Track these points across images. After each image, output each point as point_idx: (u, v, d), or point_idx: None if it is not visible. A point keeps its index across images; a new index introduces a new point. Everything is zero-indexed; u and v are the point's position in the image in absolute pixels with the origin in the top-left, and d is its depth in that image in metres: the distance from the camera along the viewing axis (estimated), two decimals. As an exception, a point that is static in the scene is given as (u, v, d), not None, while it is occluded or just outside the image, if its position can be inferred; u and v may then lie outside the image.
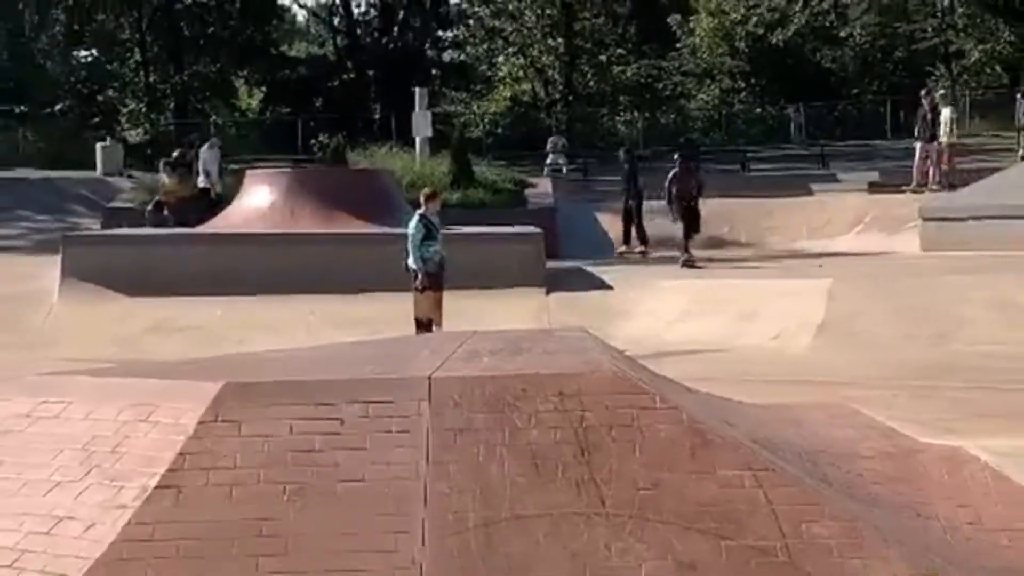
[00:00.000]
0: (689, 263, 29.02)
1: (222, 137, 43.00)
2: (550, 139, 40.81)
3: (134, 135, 42.60)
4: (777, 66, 46.34)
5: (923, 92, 33.84)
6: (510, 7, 48.67)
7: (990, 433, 11.77)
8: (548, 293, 24.65)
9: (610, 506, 8.46)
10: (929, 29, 46.98)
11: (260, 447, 8.93)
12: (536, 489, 8.57)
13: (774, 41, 46.62)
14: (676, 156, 32.05)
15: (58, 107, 44.60)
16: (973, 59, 47.19)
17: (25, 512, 8.92)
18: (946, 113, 31.54)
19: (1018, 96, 41.54)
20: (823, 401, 13.35)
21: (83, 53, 47.87)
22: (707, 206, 34.87)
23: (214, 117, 46.57)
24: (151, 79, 47.61)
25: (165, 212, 32.53)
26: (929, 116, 31.85)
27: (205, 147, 34.96)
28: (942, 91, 35.53)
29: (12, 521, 8.85)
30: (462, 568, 8.12)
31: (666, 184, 30.74)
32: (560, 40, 47.69)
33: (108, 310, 23.02)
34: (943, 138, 31.44)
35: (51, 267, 25.42)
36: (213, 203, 32.78)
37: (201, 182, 33.85)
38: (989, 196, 28.65)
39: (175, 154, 36.72)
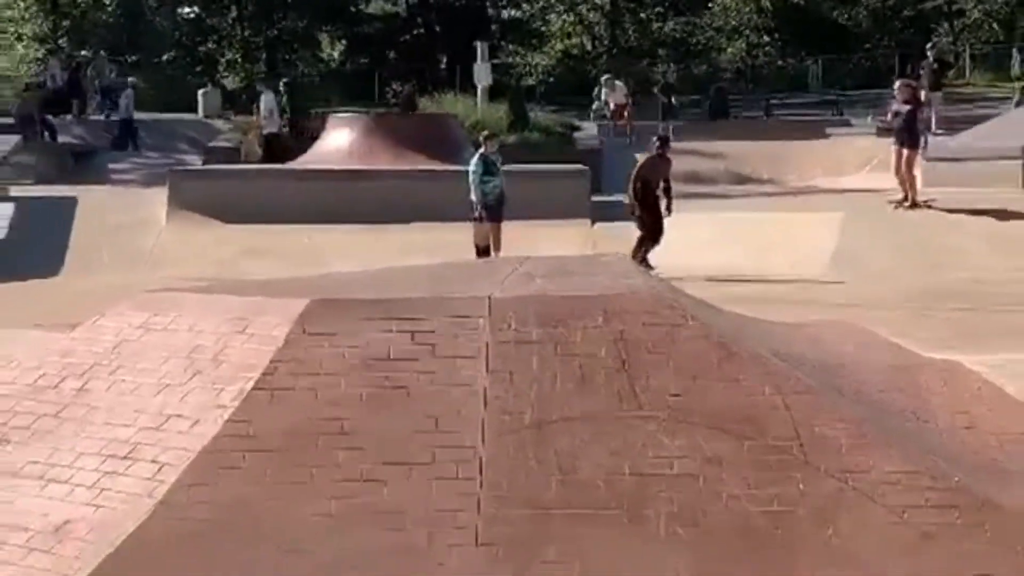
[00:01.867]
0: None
1: (305, 86, 43.22)
2: (596, 89, 40.59)
3: (231, 82, 42.57)
4: (797, 23, 46.07)
5: (899, 84, 27.89)
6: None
7: (983, 349, 11.77)
8: (593, 224, 24.65)
9: (646, 411, 8.51)
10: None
11: (341, 356, 9.01)
12: (582, 395, 8.63)
13: (795, 0, 46.36)
14: (654, 139, 23.75)
15: (165, 57, 44.65)
16: (973, 17, 46.79)
17: (138, 411, 9.04)
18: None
19: (1014, 50, 41.26)
20: (835, 320, 13.37)
21: (186, 10, 47.81)
22: (733, 148, 34.79)
23: (301, 67, 46.56)
24: (246, 33, 47.62)
25: (257, 151, 32.63)
26: (904, 112, 25.92)
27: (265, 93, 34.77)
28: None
29: (128, 418, 8.98)
30: (516, 461, 8.19)
31: (632, 172, 22.76)
32: (607, 1, 47.48)
33: (208, 236, 23.17)
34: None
35: (159, 198, 25.56)
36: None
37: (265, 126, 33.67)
38: (985, 139, 28.50)
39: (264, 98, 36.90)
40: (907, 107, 25.34)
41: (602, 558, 7.64)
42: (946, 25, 47.06)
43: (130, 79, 37.27)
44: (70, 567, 7.88)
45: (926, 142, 26.68)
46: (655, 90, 36.78)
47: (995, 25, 46.77)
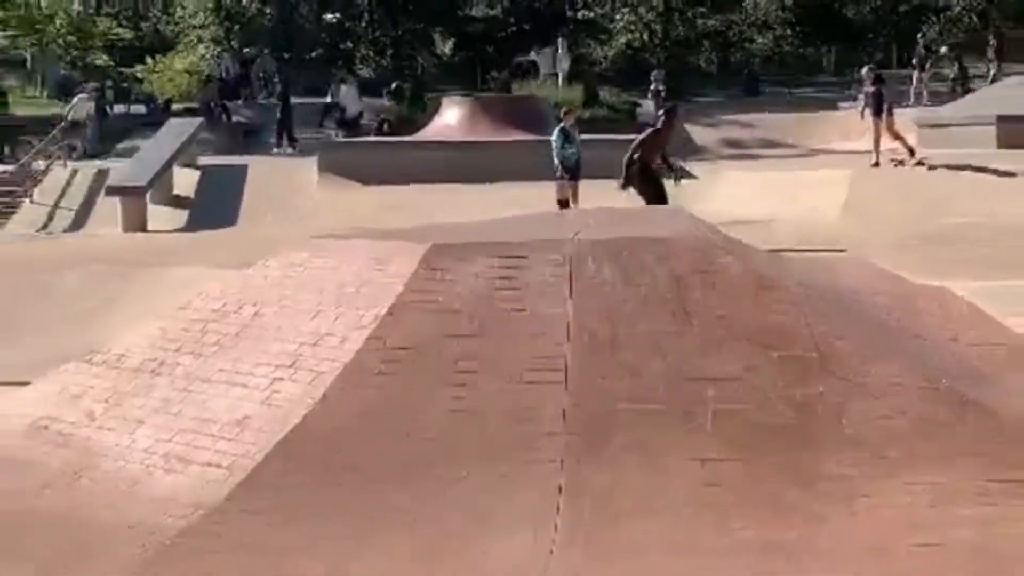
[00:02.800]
0: None
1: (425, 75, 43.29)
2: (652, 73, 40.35)
3: (365, 73, 42.63)
4: (815, 18, 45.43)
5: (866, 70, 27.57)
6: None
7: (966, 277, 11.66)
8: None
9: (696, 329, 8.52)
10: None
11: (454, 288, 9.06)
12: (645, 316, 8.64)
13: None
14: (659, 113, 20.71)
15: (313, 53, 44.67)
16: (956, 11, 46.03)
17: (299, 331, 9.16)
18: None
19: (989, 38, 40.56)
20: (847, 256, 13.30)
21: (329, 15, 47.80)
22: (764, 119, 34.45)
23: (421, 60, 46.52)
24: (376, 34, 47.59)
25: (385, 127, 32.73)
26: (871, 91, 25.93)
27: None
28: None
29: (291, 337, 9.10)
30: (593, 369, 8.25)
31: (634, 143, 19.31)
32: (660, 1, 47.09)
33: (349, 195, 23.31)
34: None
35: (311, 166, 25.76)
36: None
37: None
38: (968, 109, 28.24)
39: (393, 86, 36.94)
40: (873, 88, 25.31)
41: (659, 444, 7.67)
42: (934, 18, 46.27)
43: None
44: (249, 451, 8.04)
45: (891, 109, 26.23)
46: (648, 95, 36.68)
47: (974, 17, 45.92)
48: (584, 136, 22.64)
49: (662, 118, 18.39)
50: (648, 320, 8.62)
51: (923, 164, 23.79)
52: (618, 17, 49.15)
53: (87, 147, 29.75)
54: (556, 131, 21.56)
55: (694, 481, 7.41)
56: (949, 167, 22.87)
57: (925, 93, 30.73)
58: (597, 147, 23.31)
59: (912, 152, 23.94)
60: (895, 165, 23.77)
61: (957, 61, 38.84)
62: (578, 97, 36.71)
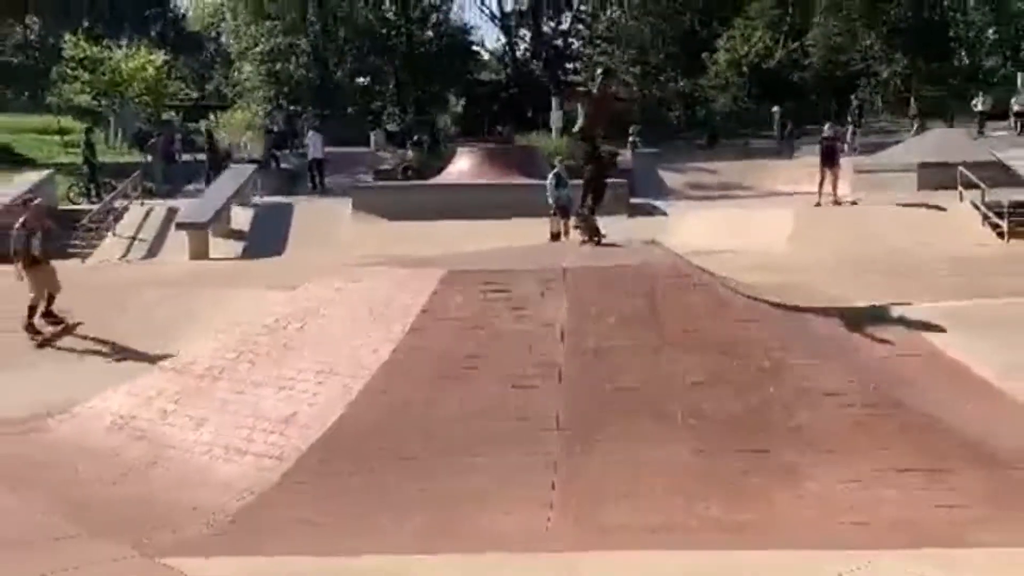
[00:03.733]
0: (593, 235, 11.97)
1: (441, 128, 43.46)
2: (631, 127, 40.40)
3: (391, 127, 42.76)
4: (765, 82, 45.48)
5: (827, 127, 26.12)
6: (606, 50, 48.44)
7: (895, 297, 11.66)
8: (630, 217, 24.54)
9: (667, 341, 8.54)
10: (858, 58, 45.92)
11: (466, 305, 9.11)
12: (625, 330, 8.67)
13: (764, 66, 45.87)
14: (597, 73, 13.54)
15: (348, 110, 44.83)
16: (884, 76, 46.15)
17: (337, 342, 9.20)
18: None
19: (911, 98, 40.67)
20: (792, 281, 13.30)
21: (361, 79, 47.98)
22: (723, 166, 34.44)
23: (437, 115, 46.66)
24: (400, 94, 47.77)
25: (408, 172, 32.77)
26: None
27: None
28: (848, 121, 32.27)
29: (330, 347, 9.15)
30: (583, 374, 8.27)
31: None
32: (638, 68, 47.18)
33: (378, 229, 23.32)
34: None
35: (346, 204, 25.80)
36: None
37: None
38: (895, 157, 28.32)
39: (415, 138, 36.99)
40: (828, 142, 25.21)
41: (638, 438, 7.69)
42: (866, 81, 46.41)
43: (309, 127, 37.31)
44: (295, 444, 8.06)
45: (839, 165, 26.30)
46: (627, 146, 36.88)
47: (899, 81, 46.09)
48: (573, 180, 22.70)
49: (598, 84, 12.18)
50: (628, 334, 8.67)
51: (855, 203, 23.91)
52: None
53: (156, 188, 29.82)
54: (550, 175, 21.60)
55: (667, 470, 7.43)
56: (877, 205, 22.97)
57: (858, 144, 30.81)
58: (582, 189, 23.39)
59: (835, 198, 24.07)
60: (833, 204, 23.82)
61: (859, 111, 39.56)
62: (568, 147, 36.72)
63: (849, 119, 36.70)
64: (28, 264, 14.02)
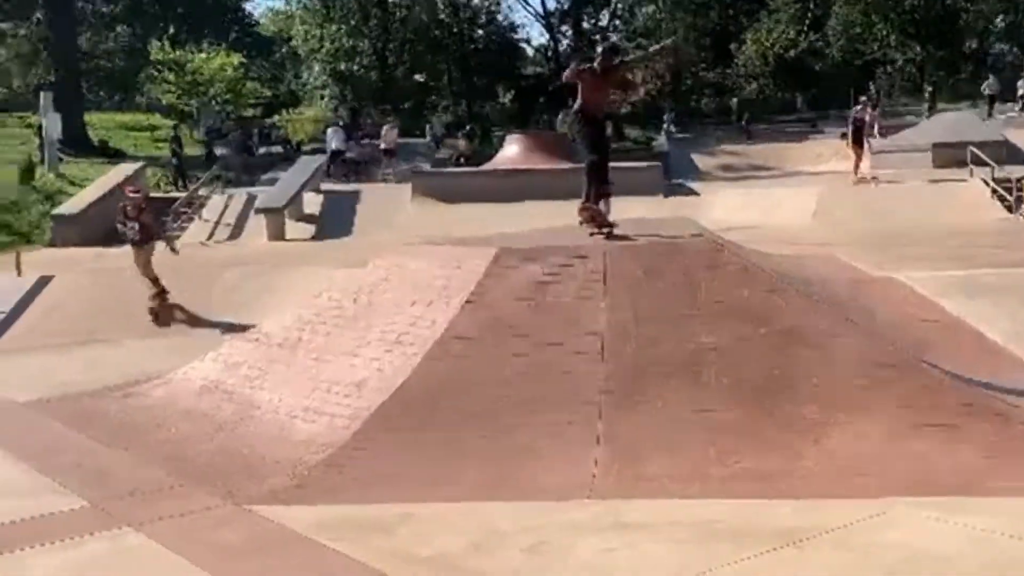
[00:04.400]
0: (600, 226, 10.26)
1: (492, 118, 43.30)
2: (664, 115, 40.11)
3: (446, 119, 42.81)
4: (789, 70, 44.96)
5: (857, 107, 26.41)
6: (641, 43, 48.04)
7: (909, 268, 11.56)
8: (665, 197, 24.44)
9: (701, 310, 8.53)
10: (874, 47, 45.19)
11: (515, 280, 9.13)
12: (661, 300, 8.66)
13: (788, 56, 45.29)
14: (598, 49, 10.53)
15: (406, 104, 44.86)
16: (899, 63, 45.41)
17: (399, 315, 9.25)
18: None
19: (924, 84, 40.07)
20: (815, 253, 13.20)
21: (418, 76, 47.95)
22: (751, 149, 34.09)
23: (487, 108, 46.59)
24: (453, 88, 47.73)
25: (461, 159, 32.78)
26: (854, 126, 25.05)
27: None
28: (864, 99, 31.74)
29: (393, 320, 9.18)
30: (623, 342, 8.28)
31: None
32: (671, 60, 46.79)
33: (436, 211, 23.42)
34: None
35: (407, 190, 25.90)
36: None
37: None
38: (910, 139, 27.96)
39: (467, 128, 36.98)
40: (853, 123, 25.04)
41: (674, 399, 7.70)
42: (882, 68, 45.70)
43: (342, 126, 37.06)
44: (365, 406, 8.15)
45: (869, 142, 26.09)
46: (662, 132, 36.56)
47: (913, 67, 45.32)
48: (612, 164, 22.64)
49: (599, 59, 9.93)
50: (664, 303, 8.65)
51: (876, 181, 23.65)
52: (637, 72, 49.00)
53: (235, 178, 30.12)
54: (587, 159, 21.57)
55: (701, 427, 7.45)
56: (895, 183, 22.68)
57: (876, 127, 30.43)
58: (621, 172, 23.28)
59: (858, 177, 23.92)
60: (855, 183, 23.57)
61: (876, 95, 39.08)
62: (570, 128, 36.59)
63: (867, 101, 36.20)
64: (133, 244, 14.40)
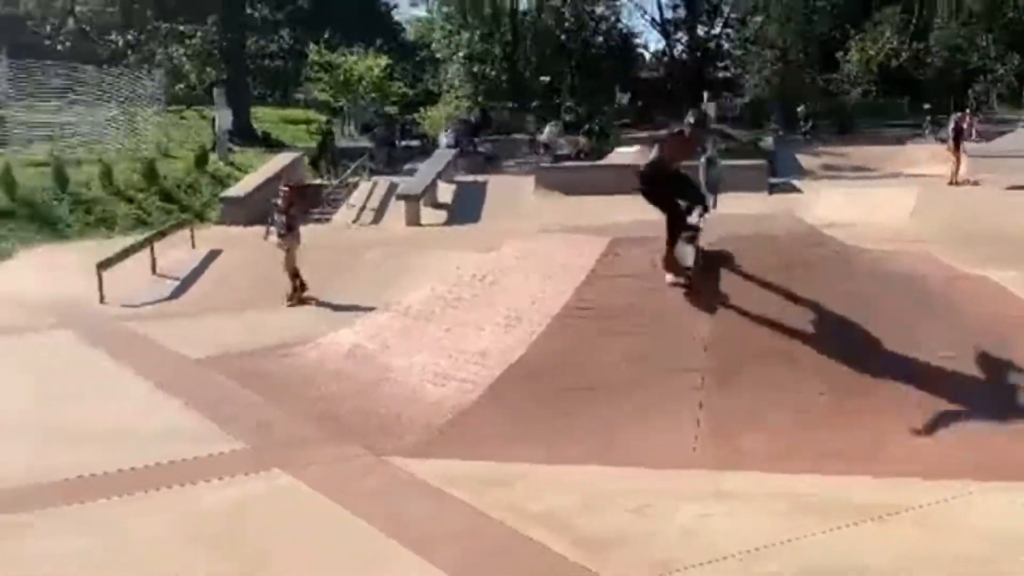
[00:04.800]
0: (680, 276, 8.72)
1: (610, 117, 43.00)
2: (771, 116, 39.23)
3: (567, 118, 42.59)
4: (892, 78, 43.35)
5: (956, 115, 26.13)
6: (751, 50, 46.97)
7: (1000, 268, 11.10)
8: (770, 194, 23.96)
9: (796, 296, 8.36)
10: (975, 57, 43.29)
11: (628, 266, 9.03)
12: (762, 288, 8.47)
13: (891, 65, 43.65)
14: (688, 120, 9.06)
15: (533, 104, 44.74)
16: (999, 72, 43.31)
17: (521, 295, 9.27)
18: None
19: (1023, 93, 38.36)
20: (911, 250, 12.78)
21: (543, 78, 47.77)
22: (854, 150, 33.08)
23: (606, 108, 46.09)
24: (576, 90, 47.48)
25: (581, 155, 32.62)
26: (954, 131, 24.66)
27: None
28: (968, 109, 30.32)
29: (516, 299, 9.18)
30: (720, 323, 8.14)
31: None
32: (779, 65, 45.52)
33: (556, 202, 23.42)
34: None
35: (530, 182, 25.98)
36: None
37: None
38: (1003, 146, 26.79)
39: (587, 127, 36.82)
40: (952, 129, 24.29)
41: (769, 379, 7.59)
42: (982, 77, 43.66)
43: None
44: (489, 374, 8.24)
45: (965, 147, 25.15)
46: (768, 133, 35.62)
47: (1013, 77, 43.19)
48: (723, 161, 22.32)
49: (688, 125, 9.13)
50: (764, 291, 8.45)
51: (973, 184, 22.80)
52: (747, 76, 47.91)
53: (379, 167, 30.68)
54: (703, 158, 21.25)
55: (795, 405, 7.34)
56: (991, 187, 21.78)
57: (975, 132, 29.13)
58: (732, 169, 22.98)
59: (955, 180, 23.19)
60: (954, 184, 22.78)
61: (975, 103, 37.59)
62: (717, 136, 35.89)
63: (968, 110, 34.70)
64: (277, 237, 14.46)
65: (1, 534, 5.96)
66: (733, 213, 14.03)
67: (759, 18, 48.88)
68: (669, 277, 8.71)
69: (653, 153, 9.14)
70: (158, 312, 14.44)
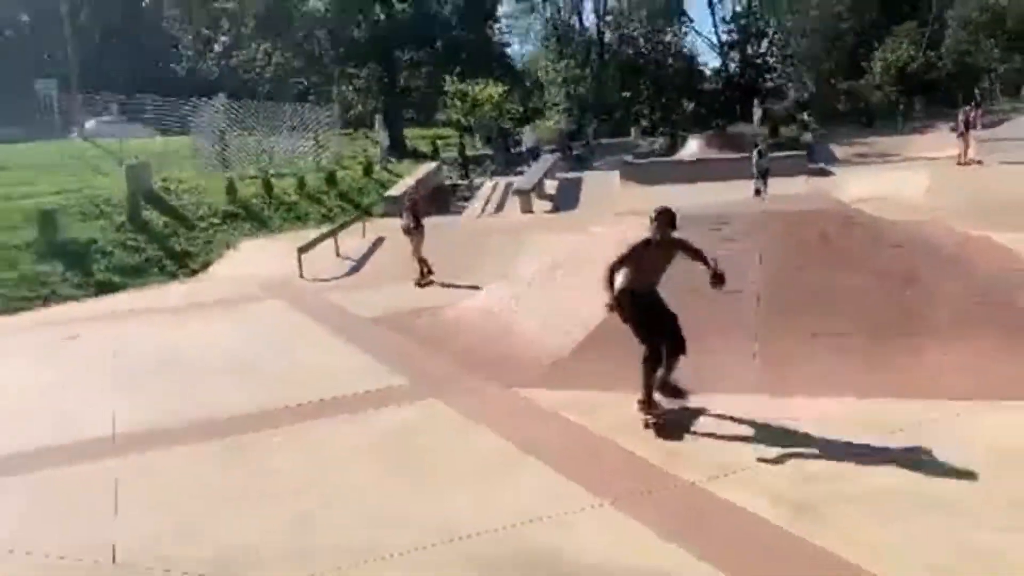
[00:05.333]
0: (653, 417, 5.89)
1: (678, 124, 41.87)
2: (805, 113, 37.47)
3: (644, 125, 41.67)
4: (909, 81, 40.86)
5: (965, 107, 25.04)
6: (793, 63, 44.87)
7: (1004, 230, 10.40)
8: (809, 177, 22.97)
9: (836, 261, 8.03)
10: (980, 59, 40.38)
11: (695, 239, 8.81)
12: (805, 255, 8.17)
13: (907, 69, 41.09)
14: (652, 217, 5.93)
15: (616, 115, 43.95)
16: (1002, 71, 40.31)
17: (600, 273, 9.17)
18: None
19: (1022, 89, 35.54)
20: (929, 219, 12.08)
21: (624, 93, 46.77)
22: (879, 139, 31.35)
23: (674, 115, 44.89)
24: (649, 101, 46.45)
25: (657, 153, 31.90)
26: (962, 125, 23.28)
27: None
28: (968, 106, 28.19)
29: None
30: (775, 281, 7.90)
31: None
32: (814, 73, 43.44)
33: (638, 191, 22.92)
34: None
35: (616, 175, 25.62)
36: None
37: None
38: (1004, 132, 25.01)
39: (661, 129, 35.90)
40: (962, 120, 22.87)
41: (814, 327, 7.33)
42: (986, 75, 40.73)
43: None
44: (586, 328, 8.13)
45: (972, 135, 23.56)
46: (806, 129, 33.70)
47: (1014, 74, 40.15)
48: (771, 154, 21.55)
49: (654, 223, 6.00)
50: (808, 257, 8.14)
51: (978, 164, 21.34)
52: (790, 85, 45.97)
53: (498, 170, 30.76)
54: (754, 151, 20.58)
55: (840, 347, 7.07)
56: (993, 166, 20.36)
57: (979, 123, 27.26)
58: (776, 160, 22.15)
59: (964, 161, 22.00)
60: (962, 164, 21.36)
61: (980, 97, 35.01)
62: (766, 132, 34.59)
63: (974, 103, 32.41)
64: (406, 231, 14.15)
65: (238, 450, 6.31)
66: (780, 194, 13.58)
67: (799, 38, 46.76)
68: (648, 418, 5.86)
69: (619, 279, 5.85)
70: (341, 285, 14.90)
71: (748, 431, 5.79)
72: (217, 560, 4.47)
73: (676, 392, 6.10)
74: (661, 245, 6.00)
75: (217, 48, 40.67)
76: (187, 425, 6.87)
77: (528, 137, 32.97)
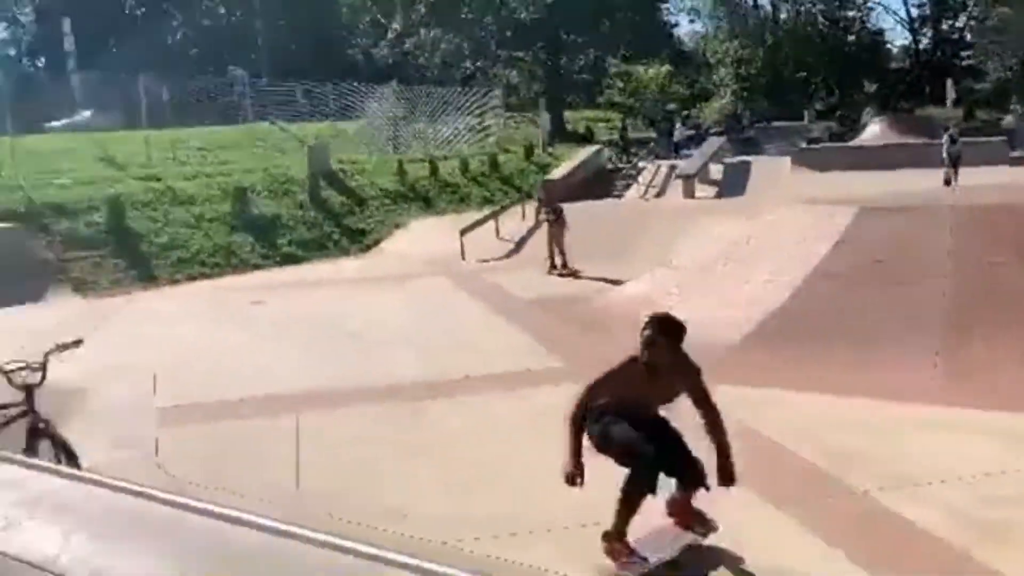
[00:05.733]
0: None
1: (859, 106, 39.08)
2: (1014, 97, 33.79)
3: (820, 107, 39.33)
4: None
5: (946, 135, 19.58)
6: (995, 39, 40.53)
7: None
8: (1010, 166, 20.73)
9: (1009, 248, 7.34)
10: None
11: (874, 231, 8.38)
12: (998, 248, 7.56)
13: None
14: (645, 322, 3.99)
15: (790, 97, 41.68)
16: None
17: (780, 254, 8.80)
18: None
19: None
20: None
21: (800, 73, 44.22)
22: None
23: (855, 96, 41.90)
24: (828, 81, 43.61)
25: (833, 138, 30.09)
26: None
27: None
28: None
29: (775, 257, 8.77)
30: (961, 275, 7.35)
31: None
32: (1020, 49, 39.03)
33: (809, 177, 21.74)
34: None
35: (786, 161, 24.37)
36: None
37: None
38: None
39: (837, 114, 33.77)
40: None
41: (998, 328, 6.75)
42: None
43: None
44: (755, 318, 7.94)
45: None
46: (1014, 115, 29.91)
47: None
48: (963, 139, 19.70)
49: (644, 334, 3.87)
50: (1000, 251, 7.53)
51: None
52: (991, 63, 41.67)
53: (661, 153, 30.22)
54: (945, 136, 18.92)
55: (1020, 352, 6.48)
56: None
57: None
58: (970, 146, 20.25)
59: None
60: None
61: None
62: (959, 115, 31.63)
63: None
64: (547, 222, 14.11)
65: (408, 413, 6.74)
66: (976, 184, 12.41)
67: (1004, 8, 42.08)
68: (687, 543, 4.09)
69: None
70: (500, 266, 15.33)
71: (927, 441, 5.46)
72: (378, 515, 4.81)
73: (703, 522, 4.04)
74: (656, 371, 3.80)
75: (390, 35, 42.59)
76: (365, 388, 7.42)
77: (679, 132, 32.06)
